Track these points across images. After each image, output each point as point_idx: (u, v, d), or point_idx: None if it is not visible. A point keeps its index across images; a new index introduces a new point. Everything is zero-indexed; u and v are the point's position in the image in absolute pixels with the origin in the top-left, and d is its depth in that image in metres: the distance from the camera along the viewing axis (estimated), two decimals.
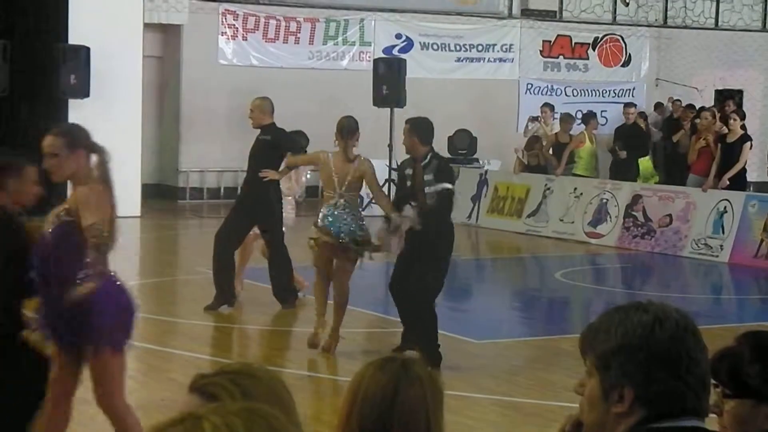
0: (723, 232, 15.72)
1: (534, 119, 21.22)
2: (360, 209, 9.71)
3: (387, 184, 20.18)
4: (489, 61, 24.53)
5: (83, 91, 18.20)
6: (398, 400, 2.49)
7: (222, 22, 22.15)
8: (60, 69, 18.15)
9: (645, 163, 18.78)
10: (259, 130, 11.80)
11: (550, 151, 19.12)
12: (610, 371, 2.42)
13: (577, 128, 19.91)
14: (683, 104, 21.80)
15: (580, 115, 21.61)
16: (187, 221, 19.82)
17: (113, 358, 5.82)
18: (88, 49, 18.34)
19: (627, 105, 19.85)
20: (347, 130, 9.66)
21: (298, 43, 22.81)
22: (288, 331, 10.55)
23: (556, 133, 19.54)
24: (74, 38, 18.55)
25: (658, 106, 23.50)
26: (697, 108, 20.11)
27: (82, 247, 5.64)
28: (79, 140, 5.98)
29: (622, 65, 25.84)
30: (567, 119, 19.84)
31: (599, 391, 2.44)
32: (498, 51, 24.60)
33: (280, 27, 22.67)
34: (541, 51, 25.07)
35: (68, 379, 5.94)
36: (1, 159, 6.16)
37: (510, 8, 24.83)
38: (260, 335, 10.36)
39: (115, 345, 5.81)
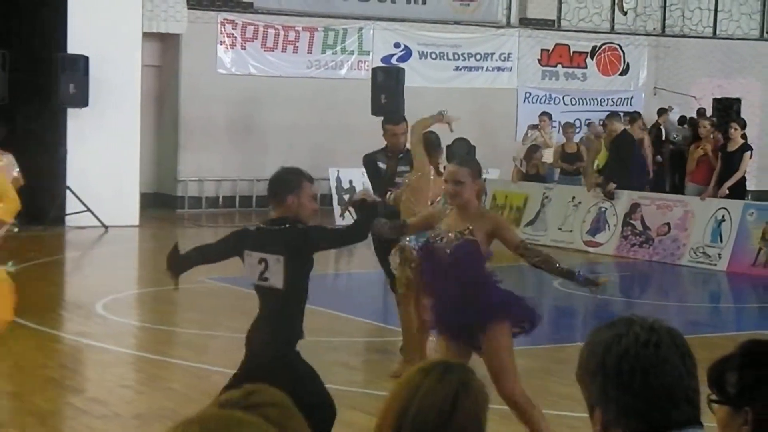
0: (721, 241, 15.73)
1: (533, 127, 21.26)
2: None
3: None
4: (487, 69, 24.56)
5: (82, 101, 18.22)
6: (457, 413, 2.44)
7: (221, 31, 22.18)
8: (59, 78, 18.17)
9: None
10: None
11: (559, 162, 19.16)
12: (584, 392, 2.50)
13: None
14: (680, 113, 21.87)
15: (579, 124, 21.67)
16: (186, 230, 19.81)
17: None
18: (86, 58, 18.36)
19: (610, 116, 19.17)
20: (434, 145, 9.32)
21: (296, 53, 22.84)
22: None
23: (562, 145, 19.58)
24: (73, 47, 18.57)
25: (663, 112, 23.52)
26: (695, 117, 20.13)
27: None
28: None
29: (621, 74, 25.87)
30: (569, 128, 19.88)
31: (588, 410, 2.51)
32: (496, 60, 24.63)
33: (279, 36, 22.70)
34: (539, 60, 25.11)
35: None
36: (282, 175, 6.37)
37: (508, 17, 24.87)
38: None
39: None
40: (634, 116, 20.03)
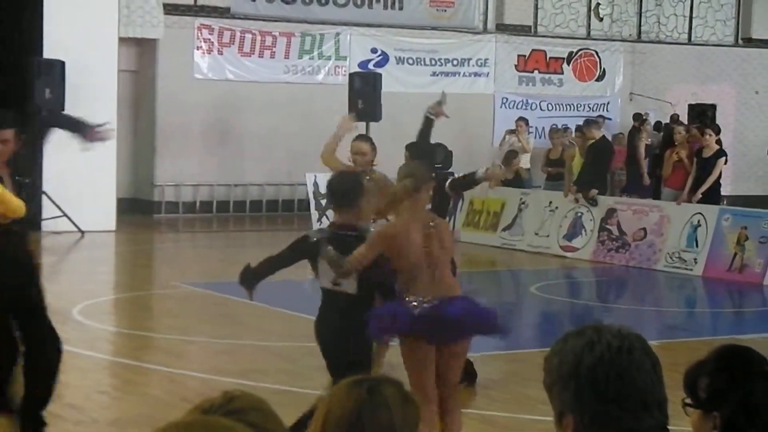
0: (697, 246, 15.81)
1: (511, 132, 21.35)
2: None
3: None
4: (464, 75, 24.61)
5: (58, 106, 18.15)
6: (364, 427, 2.42)
7: (197, 36, 22.15)
8: (35, 83, 18.09)
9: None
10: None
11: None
12: (554, 399, 2.51)
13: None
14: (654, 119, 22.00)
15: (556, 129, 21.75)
16: (163, 235, 19.77)
17: None
18: (63, 63, 18.29)
19: (587, 122, 19.18)
20: None
21: (273, 57, 22.83)
22: (264, 346, 10.53)
23: (547, 150, 19.75)
24: (49, 52, 18.50)
25: (638, 117, 23.62)
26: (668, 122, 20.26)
27: None
28: None
29: (597, 80, 25.97)
30: (555, 133, 20.03)
31: (554, 417, 2.51)
32: (473, 65, 24.68)
33: (256, 41, 22.68)
34: (516, 65, 25.17)
35: None
36: (354, 179, 6.65)
37: (485, 23, 24.93)
38: (234, 349, 10.32)
39: None
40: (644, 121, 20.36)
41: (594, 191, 17.30)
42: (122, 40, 19.97)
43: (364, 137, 9.37)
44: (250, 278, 6.85)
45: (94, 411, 8.15)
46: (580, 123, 19.52)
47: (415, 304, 6.37)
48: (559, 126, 23.20)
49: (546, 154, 19.98)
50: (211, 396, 2.20)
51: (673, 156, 17.39)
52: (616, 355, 2.48)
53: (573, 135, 20.54)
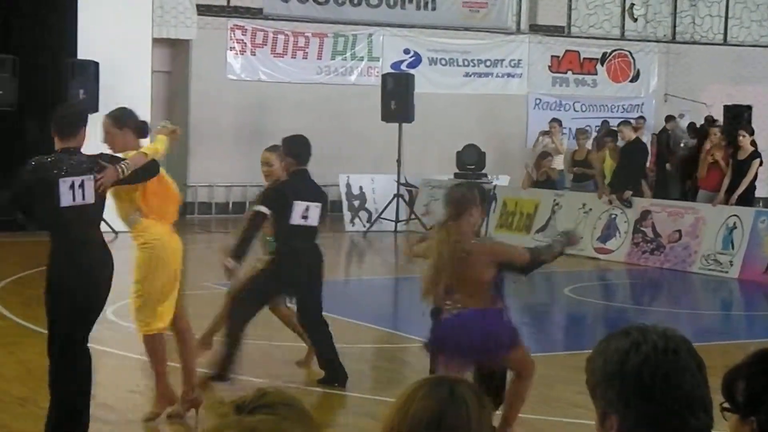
0: (733, 248, 15.67)
1: (545, 134, 21.26)
2: None
3: (395, 200, 20.18)
4: (497, 76, 24.54)
5: (92, 106, 18.20)
6: (444, 424, 2.48)
7: (230, 37, 22.19)
8: (69, 84, 18.18)
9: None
10: None
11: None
12: (597, 400, 2.50)
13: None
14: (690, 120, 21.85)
15: (590, 130, 21.67)
16: (196, 236, 19.80)
17: None
18: (96, 63, 18.37)
19: (621, 123, 19.22)
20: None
21: (306, 59, 22.84)
22: (296, 347, 10.50)
23: (573, 151, 19.67)
24: (83, 53, 18.58)
25: (670, 119, 23.49)
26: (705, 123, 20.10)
27: None
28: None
29: (631, 80, 25.84)
30: (581, 134, 19.90)
31: (597, 418, 2.51)
32: (506, 66, 24.61)
33: (289, 42, 22.70)
34: (549, 66, 25.08)
35: None
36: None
37: (518, 23, 24.85)
38: (266, 350, 10.31)
39: None
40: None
41: (628, 192, 17.18)
42: (156, 41, 20.03)
43: (273, 147, 9.28)
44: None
45: (129, 411, 8.16)
46: (614, 124, 19.45)
47: (448, 306, 6.65)
48: (593, 127, 23.12)
49: (572, 154, 19.88)
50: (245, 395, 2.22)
51: (709, 157, 17.26)
52: (662, 355, 2.46)
53: (593, 136, 20.52)
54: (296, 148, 9.09)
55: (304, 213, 8.75)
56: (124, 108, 8.10)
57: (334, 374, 8.80)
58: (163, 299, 7.65)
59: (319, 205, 8.89)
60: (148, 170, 7.40)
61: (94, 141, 8.05)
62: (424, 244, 7.21)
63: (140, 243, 7.68)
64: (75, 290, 6.77)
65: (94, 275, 6.87)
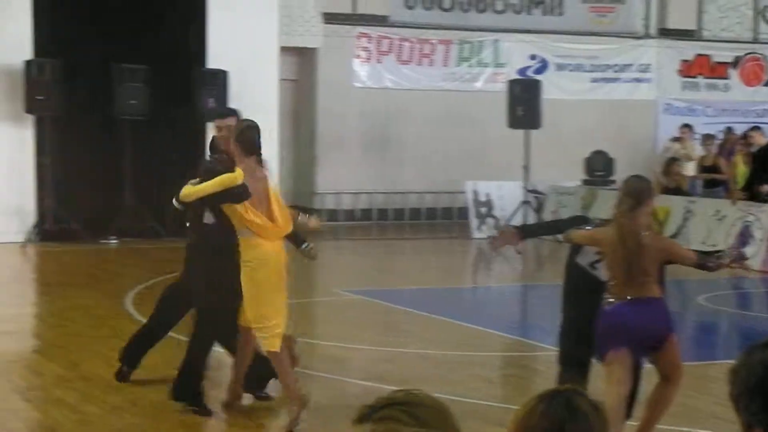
0: None
1: (675, 140, 20.88)
2: None
3: (523, 207, 20.01)
4: (625, 81, 24.19)
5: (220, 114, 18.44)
6: None
7: (356, 45, 22.29)
8: (199, 92, 18.46)
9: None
10: None
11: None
12: (741, 412, 2.49)
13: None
14: None
15: (721, 136, 21.22)
16: (323, 243, 19.88)
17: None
18: (225, 72, 18.62)
19: (752, 129, 18.92)
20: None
21: (432, 65, 22.82)
22: (425, 354, 10.44)
23: (701, 157, 19.28)
24: (213, 62, 18.86)
25: None
26: None
27: None
28: None
29: (765, 84, 25.22)
30: (707, 140, 19.48)
31: (741, 430, 2.49)
32: (634, 71, 24.25)
33: (414, 49, 22.72)
34: (679, 70, 24.63)
35: None
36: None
37: (647, 27, 24.46)
38: (395, 357, 10.27)
39: None
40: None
41: (766, 187, 16.74)
42: (283, 50, 20.22)
43: None
44: (521, 230, 7.55)
45: (260, 417, 8.20)
46: (747, 129, 18.99)
47: (611, 300, 6.79)
48: (724, 131, 22.62)
49: (699, 160, 19.50)
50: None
51: None
52: None
53: (715, 141, 20.07)
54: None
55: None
56: (253, 124, 7.93)
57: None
58: (273, 314, 7.61)
59: None
60: (231, 195, 7.54)
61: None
62: (586, 233, 7.16)
63: (243, 260, 7.64)
64: None
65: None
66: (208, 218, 7.91)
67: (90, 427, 7.70)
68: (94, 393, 8.53)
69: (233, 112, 8.67)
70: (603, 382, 6.80)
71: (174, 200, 7.77)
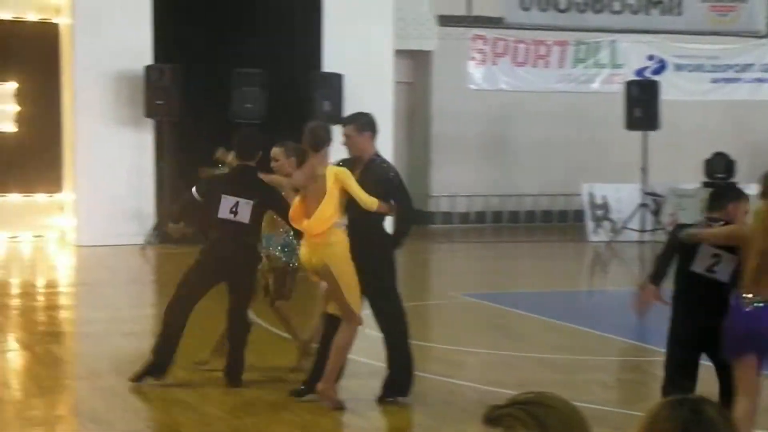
0: None
1: None
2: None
3: (640, 211, 19.72)
4: (747, 81, 23.67)
5: (337, 117, 18.56)
6: None
7: (471, 47, 22.21)
8: (315, 96, 18.60)
9: None
10: None
11: None
12: None
13: None
14: None
15: None
16: (439, 246, 19.88)
17: None
18: (340, 76, 18.72)
19: None
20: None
21: (547, 67, 22.63)
22: (541, 359, 10.34)
23: None
24: (328, 66, 18.98)
25: None
26: None
27: None
28: None
29: None
30: None
31: None
32: (757, 71, 23.71)
33: (530, 51, 22.55)
34: None
35: None
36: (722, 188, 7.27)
37: None
38: (512, 361, 10.20)
39: None
40: None
41: None
42: (397, 53, 20.27)
43: (281, 143, 9.14)
44: (653, 280, 7.23)
45: (377, 419, 8.21)
46: None
47: (748, 299, 6.59)
48: None
49: None
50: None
51: None
52: None
53: None
54: (240, 143, 9.14)
55: (233, 208, 8.70)
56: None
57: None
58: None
59: (250, 202, 8.71)
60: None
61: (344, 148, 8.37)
62: (721, 229, 6.89)
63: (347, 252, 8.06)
64: None
65: None
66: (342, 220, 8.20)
67: (211, 428, 7.78)
68: (212, 394, 8.63)
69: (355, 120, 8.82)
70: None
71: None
